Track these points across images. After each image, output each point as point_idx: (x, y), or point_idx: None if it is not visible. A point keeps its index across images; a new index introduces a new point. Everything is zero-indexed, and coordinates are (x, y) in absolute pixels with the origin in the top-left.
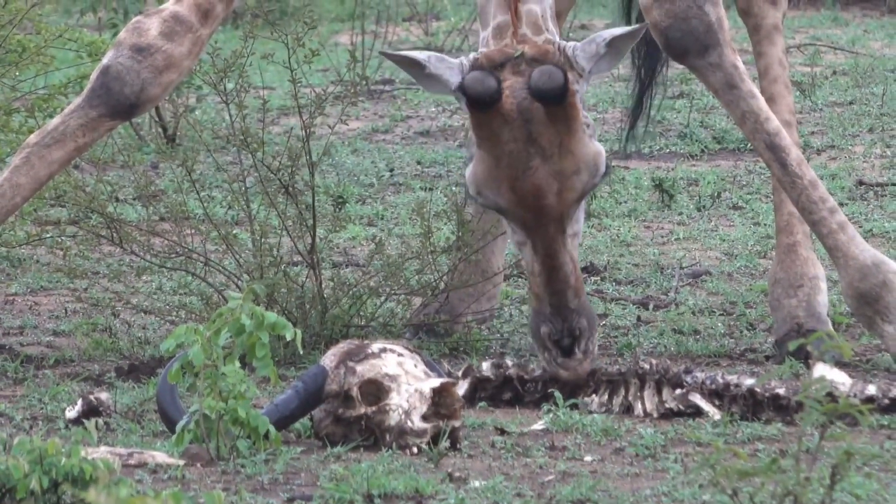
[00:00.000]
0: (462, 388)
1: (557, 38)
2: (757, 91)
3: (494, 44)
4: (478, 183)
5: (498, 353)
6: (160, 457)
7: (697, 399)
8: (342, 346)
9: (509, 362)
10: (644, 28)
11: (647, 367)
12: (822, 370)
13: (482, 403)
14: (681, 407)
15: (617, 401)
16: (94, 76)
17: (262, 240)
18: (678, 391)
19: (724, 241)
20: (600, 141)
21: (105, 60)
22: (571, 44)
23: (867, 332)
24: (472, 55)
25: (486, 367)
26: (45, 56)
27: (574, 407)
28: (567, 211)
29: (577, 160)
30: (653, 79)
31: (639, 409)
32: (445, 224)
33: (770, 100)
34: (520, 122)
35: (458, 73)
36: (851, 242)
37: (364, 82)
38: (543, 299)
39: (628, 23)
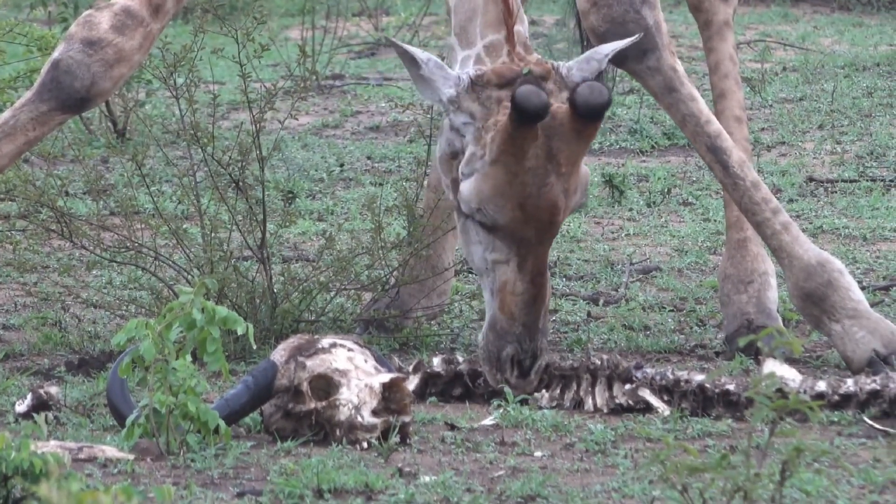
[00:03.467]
0: (412, 383)
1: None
2: (697, 93)
3: (490, 62)
4: (482, 199)
5: (448, 349)
6: (110, 451)
7: (647, 395)
8: (292, 341)
9: (460, 358)
10: (637, 39)
11: (598, 362)
12: (771, 366)
13: (432, 399)
14: (630, 402)
15: (568, 396)
16: (44, 70)
17: (213, 234)
18: (627, 386)
19: (674, 236)
20: None
21: (56, 54)
22: (562, 63)
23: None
24: (470, 70)
25: (436, 362)
26: None
27: (524, 403)
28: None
29: (577, 179)
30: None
31: (589, 404)
32: (396, 219)
33: (720, 96)
34: (543, 139)
35: (452, 84)
36: (795, 242)
37: (314, 77)
38: (518, 318)
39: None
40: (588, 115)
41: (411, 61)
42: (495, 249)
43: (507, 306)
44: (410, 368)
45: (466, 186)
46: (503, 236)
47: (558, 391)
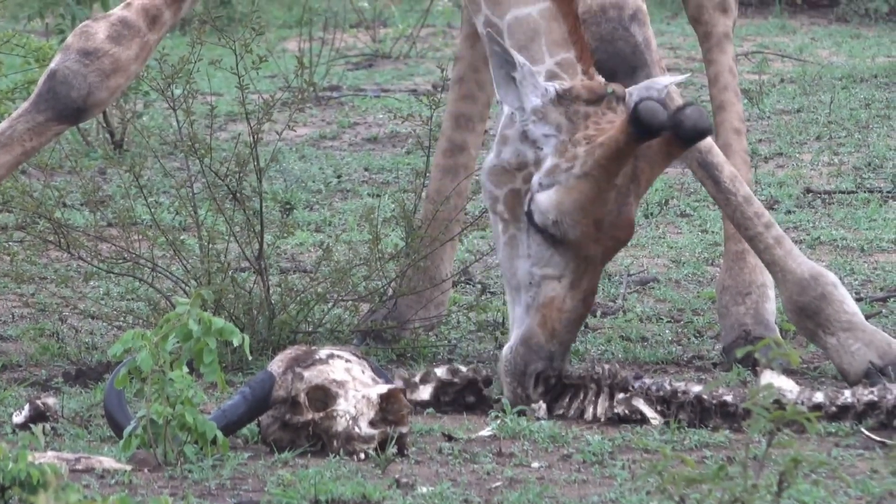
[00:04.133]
0: (425, 392)
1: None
2: None
3: (568, 79)
4: (562, 212)
5: (446, 360)
6: (107, 462)
7: (640, 404)
8: (290, 352)
9: (462, 368)
10: (684, 78)
11: (601, 371)
12: (769, 377)
13: (440, 407)
14: (626, 412)
15: (575, 405)
16: (41, 80)
17: (210, 246)
18: (621, 396)
19: (671, 248)
20: None
21: (53, 65)
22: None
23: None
24: (557, 84)
25: (442, 371)
26: None
27: (521, 413)
28: None
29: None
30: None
31: (590, 413)
32: (393, 230)
33: (720, 108)
34: (632, 159)
35: (539, 95)
36: (789, 256)
37: (311, 89)
38: (557, 336)
39: None
40: (692, 139)
41: (506, 62)
42: (550, 265)
43: (550, 322)
44: (418, 379)
45: (545, 198)
46: (565, 251)
47: (567, 400)
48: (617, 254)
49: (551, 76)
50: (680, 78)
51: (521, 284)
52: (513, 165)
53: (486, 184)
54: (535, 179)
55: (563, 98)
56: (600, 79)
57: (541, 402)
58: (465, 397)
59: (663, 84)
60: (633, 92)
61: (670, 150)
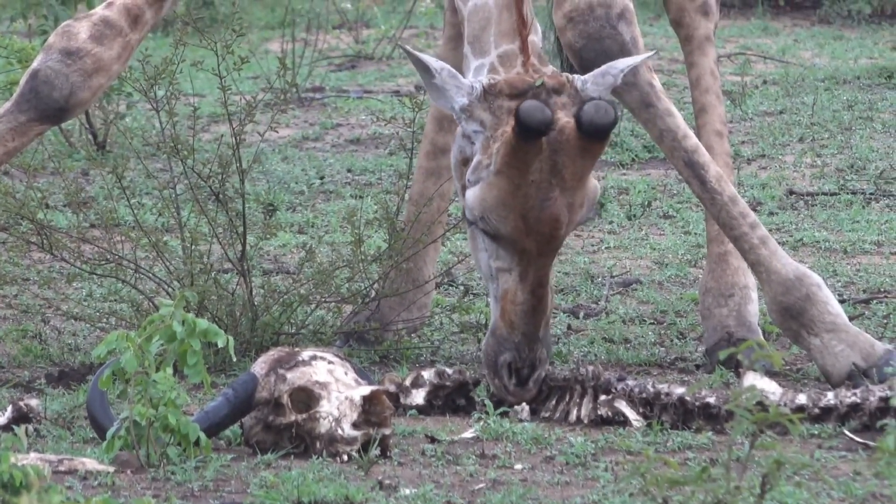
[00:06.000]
0: (419, 396)
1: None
2: (674, 109)
3: (504, 72)
4: (486, 208)
5: (429, 361)
6: (90, 463)
7: (622, 406)
8: (273, 354)
9: (449, 370)
10: (651, 55)
11: (584, 373)
12: (752, 379)
13: (411, 411)
14: (609, 414)
15: (561, 407)
16: (23, 80)
17: (193, 247)
18: (603, 397)
19: (654, 249)
20: None
21: (34, 65)
22: (577, 76)
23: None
24: (482, 79)
25: (430, 374)
26: None
27: (504, 415)
28: (563, 242)
29: (584, 193)
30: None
31: (574, 415)
32: (376, 232)
33: (702, 110)
34: (548, 153)
35: (464, 93)
36: (773, 257)
37: (294, 90)
38: (517, 328)
39: (551, 26)
40: (593, 135)
41: (424, 69)
42: (499, 258)
43: (508, 315)
44: (409, 382)
45: (471, 194)
46: (506, 245)
47: (553, 402)
48: (554, 248)
49: (492, 69)
50: (641, 58)
51: (486, 277)
52: (459, 161)
53: (455, 180)
54: (466, 176)
55: (488, 94)
56: (547, 70)
57: (524, 404)
58: (456, 400)
59: (620, 68)
60: (588, 80)
61: (583, 146)
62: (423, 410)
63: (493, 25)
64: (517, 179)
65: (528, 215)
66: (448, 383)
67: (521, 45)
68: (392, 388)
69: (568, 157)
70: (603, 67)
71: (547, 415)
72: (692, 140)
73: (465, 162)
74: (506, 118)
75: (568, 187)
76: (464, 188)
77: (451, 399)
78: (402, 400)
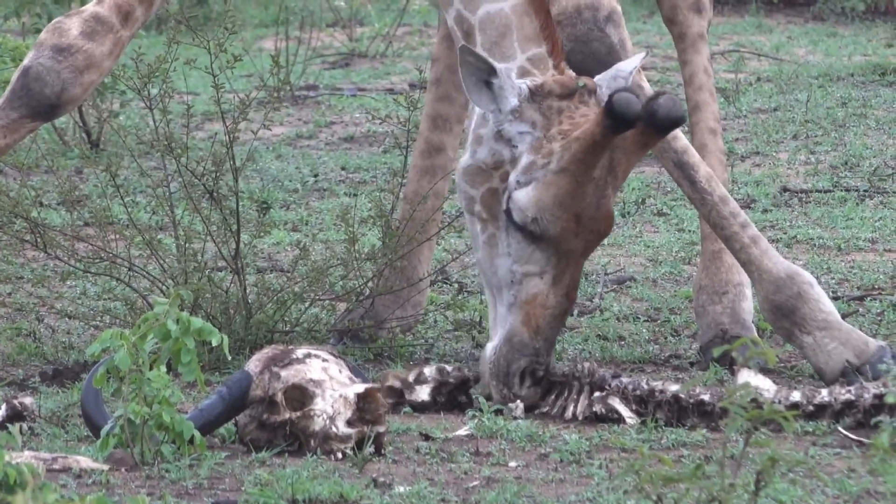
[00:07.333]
0: (424, 392)
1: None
2: None
3: (540, 74)
4: (540, 208)
5: (423, 359)
6: (84, 461)
7: (615, 403)
8: (267, 352)
9: (448, 367)
10: (643, 57)
11: (580, 369)
12: (746, 376)
13: (404, 410)
14: (603, 411)
15: (558, 403)
16: (14, 77)
17: (187, 245)
18: (597, 394)
19: (648, 247)
20: None
21: (26, 61)
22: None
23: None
24: (529, 80)
25: (431, 371)
26: None
27: (499, 413)
28: None
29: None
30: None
31: (570, 411)
32: (370, 230)
33: (695, 108)
34: (608, 150)
35: (516, 95)
36: (764, 255)
37: (288, 88)
38: (542, 332)
39: None
40: (666, 128)
41: (480, 69)
42: (531, 262)
43: (535, 319)
44: (412, 379)
45: (524, 195)
46: (546, 247)
47: (553, 398)
48: (597, 247)
49: (523, 72)
50: (641, 59)
51: (502, 283)
52: (489, 165)
53: (462, 184)
54: (513, 177)
55: (535, 94)
56: (571, 73)
57: (518, 401)
58: (458, 397)
59: (628, 70)
60: (602, 83)
61: (645, 140)
62: (426, 407)
63: (515, 31)
64: (581, 177)
65: (583, 214)
66: (451, 380)
67: (550, 48)
68: (397, 385)
69: (623, 155)
70: (611, 70)
71: (545, 409)
72: (682, 141)
73: (498, 165)
74: (556, 118)
75: (618, 185)
76: (492, 191)
77: (454, 396)
78: (406, 396)
